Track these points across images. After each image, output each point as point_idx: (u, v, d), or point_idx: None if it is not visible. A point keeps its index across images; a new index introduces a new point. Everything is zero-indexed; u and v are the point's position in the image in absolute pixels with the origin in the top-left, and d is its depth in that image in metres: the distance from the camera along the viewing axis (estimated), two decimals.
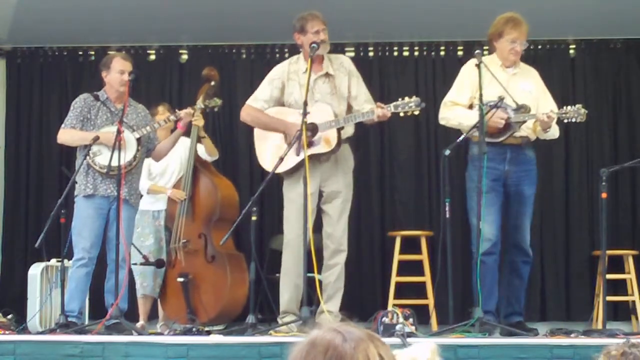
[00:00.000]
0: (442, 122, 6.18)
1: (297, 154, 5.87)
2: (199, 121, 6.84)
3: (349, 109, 6.14)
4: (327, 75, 6.13)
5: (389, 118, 5.99)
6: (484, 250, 5.80)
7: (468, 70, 6.09)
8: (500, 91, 5.76)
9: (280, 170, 5.96)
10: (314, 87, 6.07)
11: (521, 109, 5.82)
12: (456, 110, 6.03)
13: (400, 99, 5.91)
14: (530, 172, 6.08)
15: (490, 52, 6.26)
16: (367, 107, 6.03)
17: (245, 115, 6.27)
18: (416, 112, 5.95)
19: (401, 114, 5.94)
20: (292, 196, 6.07)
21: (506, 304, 6.09)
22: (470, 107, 6.02)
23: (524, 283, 6.13)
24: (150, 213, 7.15)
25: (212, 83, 7.03)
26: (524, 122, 5.86)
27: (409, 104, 5.86)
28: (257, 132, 6.27)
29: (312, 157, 5.85)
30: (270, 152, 6.14)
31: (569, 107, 5.85)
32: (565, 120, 5.91)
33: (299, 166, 5.89)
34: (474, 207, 5.86)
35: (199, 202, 6.91)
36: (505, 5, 6.10)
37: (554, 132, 6.10)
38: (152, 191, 7.11)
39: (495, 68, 5.95)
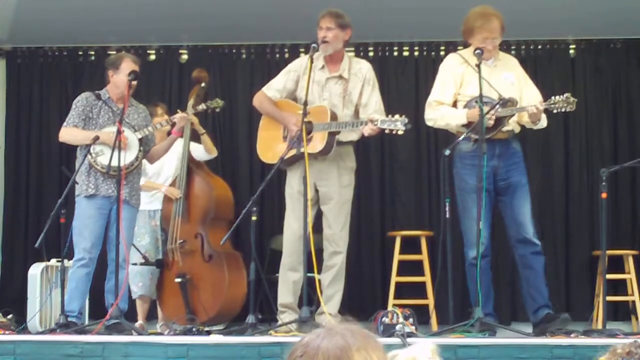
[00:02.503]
0: (428, 123, 6.08)
1: (290, 148, 5.89)
2: (193, 118, 6.88)
3: (356, 115, 6.14)
4: (340, 77, 6.14)
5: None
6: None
7: (447, 66, 6.04)
8: (484, 86, 5.65)
9: (272, 161, 6.06)
10: (325, 86, 6.10)
11: (508, 102, 5.70)
12: (442, 110, 5.95)
13: (389, 116, 5.89)
14: (518, 164, 5.97)
15: (466, 45, 6.19)
16: (375, 117, 6.01)
17: (255, 100, 6.38)
18: (400, 132, 5.85)
19: (387, 131, 5.90)
20: (290, 192, 6.13)
21: (530, 301, 5.96)
22: (454, 104, 5.97)
23: (539, 274, 5.92)
24: (146, 213, 7.12)
25: (203, 84, 7.10)
26: (512, 115, 5.77)
27: (395, 122, 5.81)
28: (264, 121, 6.32)
29: (303, 155, 5.86)
30: (270, 142, 6.20)
31: (557, 97, 5.69)
32: (555, 111, 5.74)
33: (292, 161, 5.94)
34: (467, 208, 5.80)
35: (194, 202, 6.92)
36: (505, 5, 6.09)
37: (543, 122, 5.96)
38: (145, 187, 7.02)
39: (474, 62, 5.84)
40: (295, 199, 6.06)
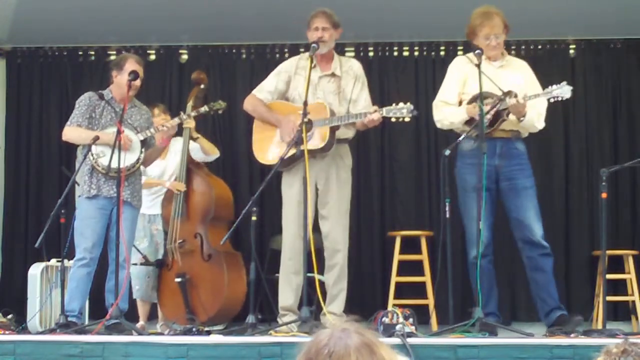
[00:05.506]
0: (438, 125, 6.12)
1: (289, 148, 5.89)
2: (190, 123, 6.87)
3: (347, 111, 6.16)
4: (333, 75, 6.15)
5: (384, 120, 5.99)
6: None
7: (454, 67, 6.07)
8: (486, 85, 5.64)
9: (271, 162, 6.05)
10: (318, 85, 6.12)
11: (507, 95, 5.68)
12: (446, 110, 5.97)
13: (394, 104, 5.91)
14: (524, 166, 5.95)
15: (474, 48, 6.15)
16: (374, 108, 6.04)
17: (247, 104, 6.37)
18: (407, 119, 5.90)
19: (393, 119, 5.93)
20: (290, 193, 6.10)
21: (541, 303, 5.95)
22: (460, 103, 5.96)
23: (548, 276, 5.90)
24: (146, 217, 7.11)
25: (202, 86, 7.11)
26: (508, 107, 5.69)
27: (401, 110, 5.84)
28: (256, 124, 6.31)
29: (303, 154, 5.85)
30: (265, 144, 6.19)
31: (554, 86, 5.68)
32: (552, 100, 5.73)
33: (292, 161, 5.92)
34: (468, 208, 5.79)
35: (194, 202, 6.93)
36: (506, 5, 6.09)
37: (534, 123, 5.91)
38: (147, 184, 6.99)
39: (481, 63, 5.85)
40: (295, 200, 6.05)
